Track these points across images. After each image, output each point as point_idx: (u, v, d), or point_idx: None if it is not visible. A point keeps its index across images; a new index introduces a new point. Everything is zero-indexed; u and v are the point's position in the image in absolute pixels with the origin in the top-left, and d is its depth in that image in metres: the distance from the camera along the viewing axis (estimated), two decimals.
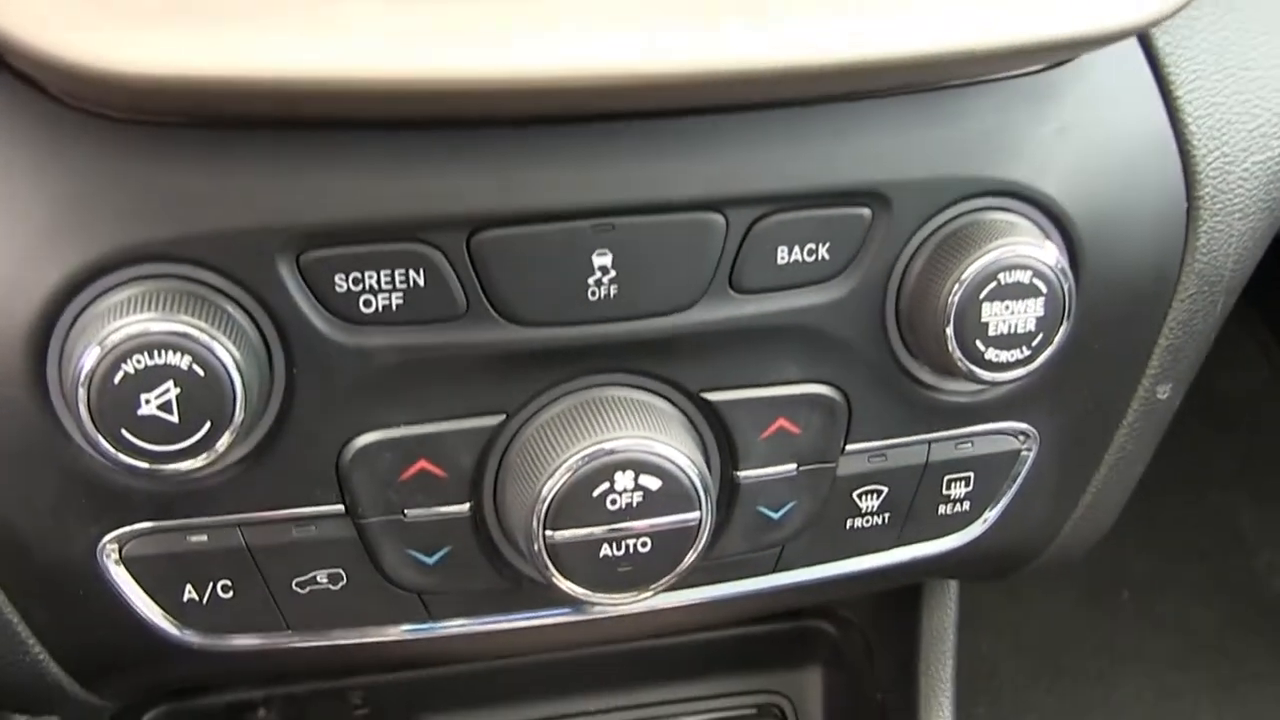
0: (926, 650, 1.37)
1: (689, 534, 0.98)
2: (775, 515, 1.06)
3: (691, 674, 1.56)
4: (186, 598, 1.00)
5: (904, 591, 1.40)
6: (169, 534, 0.97)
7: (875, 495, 1.09)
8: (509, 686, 1.53)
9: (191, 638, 1.02)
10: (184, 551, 0.98)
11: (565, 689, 1.54)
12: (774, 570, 1.11)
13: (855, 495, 1.08)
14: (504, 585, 1.05)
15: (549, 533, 0.95)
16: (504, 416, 0.98)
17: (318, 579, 1.01)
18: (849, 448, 1.06)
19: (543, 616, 1.09)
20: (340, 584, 1.02)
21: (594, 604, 1.01)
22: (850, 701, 1.51)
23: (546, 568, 0.97)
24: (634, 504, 0.96)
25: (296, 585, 1.01)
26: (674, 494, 0.96)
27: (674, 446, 0.95)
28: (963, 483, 1.11)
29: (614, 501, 0.95)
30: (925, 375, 1.05)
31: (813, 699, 1.56)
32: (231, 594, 1.00)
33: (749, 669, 1.56)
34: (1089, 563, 2.98)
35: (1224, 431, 3.05)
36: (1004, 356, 0.99)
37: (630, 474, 0.95)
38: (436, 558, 1.02)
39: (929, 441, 1.08)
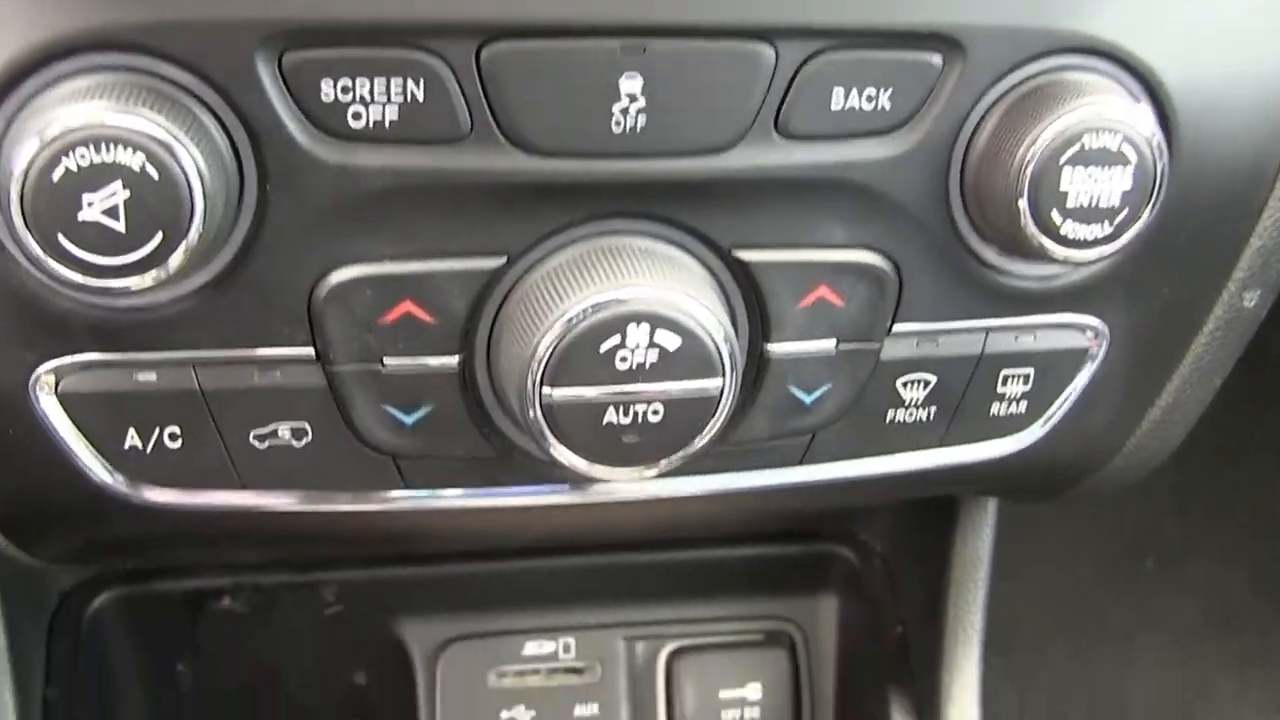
0: (957, 580, 1.25)
1: (707, 405, 0.85)
2: (807, 398, 0.94)
3: (697, 593, 1.44)
4: (128, 444, 0.88)
5: (934, 514, 1.28)
6: (113, 369, 0.85)
7: (921, 385, 0.96)
8: (495, 592, 1.41)
9: (131, 490, 0.90)
10: (129, 391, 0.86)
11: (556, 599, 1.42)
12: (800, 462, 0.99)
13: (899, 383, 0.96)
14: (491, 453, 0.92)
15: (547, 390, 0.83)
16: (505, 259, 0.85)
17: (279, 433, 0.89)
18: (896, 328, 0.93)
19: (533, 493, 0.96)
20: (304, 440, 0.89)
21: (593, 479, 0.88)
22: (867, 634, 1.38)
23: (541, 432, 0.84)
24: (647, 364, 0.83)
25: (255, 438, 0.89)
26: (694, 356, 0.83)
27: (698, 301, 0.83)
28: (1021, 379, 0.98)
29: (624, 360, 0.83)
30: (989, 253, 0.92)
31: (826, 629, 1.44)
32: (180, 443, 0.88)
33: (760, 593, 1.44)
34: (1118, 523, 2.94)
35: (1267, 394, 2.96)
36: (1082, 232, 0.86)
37: (645, 328, 0.82)
38: (416, 416, 0.89)
39: (986, 329, 0.95)
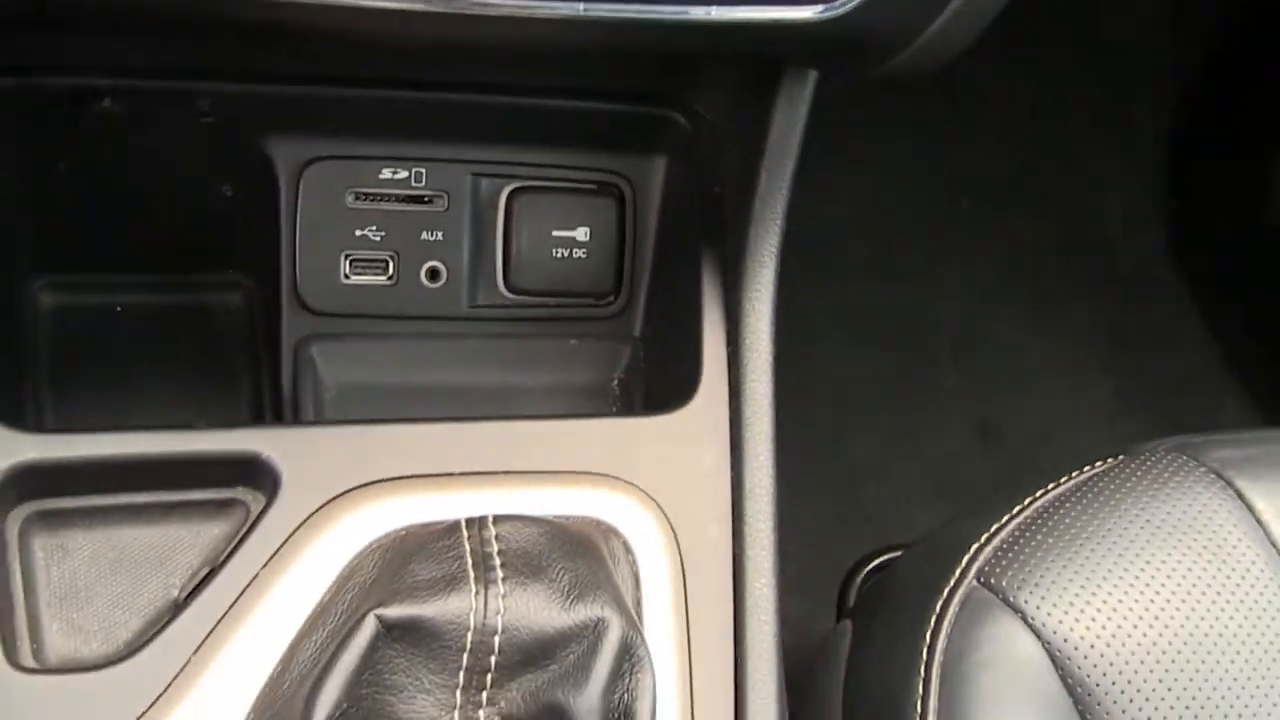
0: (773, 146, 1.38)
1: None
2: None
3: (540, 141, 1.57)
4: None
5: (760, 90, 1.41)
6: None
7: None
8: (357, 119, 1.51)
9: None
10: None
11: (413, 132, 1.53)
12: None
13: None
14: None
15: None
16: None
17: None
18: None
19: None
20: None
21: None
22: (689, 193, 1.52)
23: None
24: None
25: None
26: None
27: None
28: None
29: None
30: None
31: (653, 185, 1.58)
32: None
33: (597, 147, 1.57)
34: (941, 164, 3.00)
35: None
36: None
37: None
38: None
39: None
